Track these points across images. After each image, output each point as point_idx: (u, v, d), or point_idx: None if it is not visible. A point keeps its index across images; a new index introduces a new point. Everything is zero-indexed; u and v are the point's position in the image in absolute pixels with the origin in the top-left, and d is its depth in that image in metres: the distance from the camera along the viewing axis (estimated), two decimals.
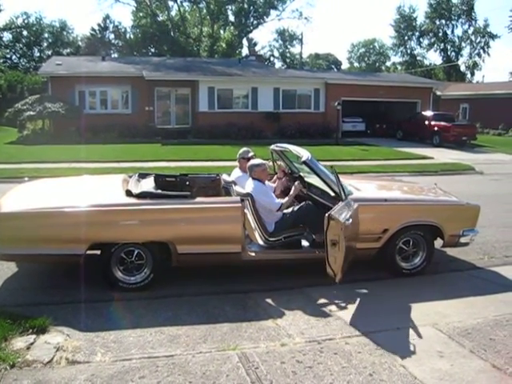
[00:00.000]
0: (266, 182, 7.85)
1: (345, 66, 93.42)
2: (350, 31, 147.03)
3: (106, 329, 5.57)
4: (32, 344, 5.14)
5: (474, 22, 72.84)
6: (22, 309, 5.97)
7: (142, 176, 7.90)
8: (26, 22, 68.79)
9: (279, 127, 31.38)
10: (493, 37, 72.28)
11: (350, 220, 6.25)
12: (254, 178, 7.44)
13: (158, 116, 33.18)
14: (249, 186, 7.42)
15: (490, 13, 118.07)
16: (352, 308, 6.31)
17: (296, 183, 7.61)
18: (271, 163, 9.19)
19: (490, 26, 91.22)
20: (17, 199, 7.14)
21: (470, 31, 73.69)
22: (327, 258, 6.25)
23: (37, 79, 43.01)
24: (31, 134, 28.12)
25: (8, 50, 67.39)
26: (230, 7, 66.49)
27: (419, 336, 5.55)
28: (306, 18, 66.52)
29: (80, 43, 73.73)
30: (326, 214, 6.15)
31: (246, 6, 65.30)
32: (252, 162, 7.66)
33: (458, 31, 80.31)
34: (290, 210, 7.48)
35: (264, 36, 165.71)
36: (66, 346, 5.17)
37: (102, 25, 71.13)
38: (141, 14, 66.63)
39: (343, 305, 6.40)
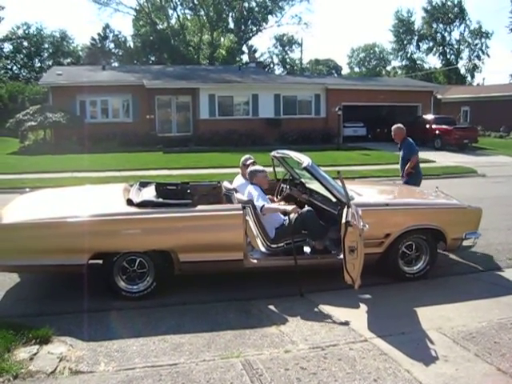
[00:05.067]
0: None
1: (345, 71, 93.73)
2: (349, 36, 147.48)
3: (109, 338, 5.56)
4: (35, 354, 5.13)
5: (469, 23, 73.42)
6: (25, 319, 5.95)
7: (143, 185, 7.90)
8: (26, 32, 69.06)
9: (280, 133, 31.40)
10: (487, 35, 72.68)
11: (367, 226, 6.25)
12: (252, 183, 7.48)
13: (159, 124, 33.18)
14: (247, 190, 7.46)
15: (487, 16, 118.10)
16: (355, 313, 6.29)
17: (294, 207, 7.46)
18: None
19: (488, 29, 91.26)
20: (18, 210, 7.15)
21: (466, 33, 74.17)
22: (345, 265, 6.22)
23: (38, 89, 43.13)
24: (33, 144, 28.17)
25: (9, 61, 67.61)
26: (229, 14, 66.70)
27: (423, 340, 5.52)
28: (305, 24, 66.89)
29: (80, 53, 73.98)
30: (343, 221, 6.14)
31: (245, 12, 65.47)
32: (254, 167, 7.67)
33: (456, 34, 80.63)
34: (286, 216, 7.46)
35: (264, 42, 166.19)
36: (69, 356, 5.15)
37: (102, 34, 71.44)
38: (140, 23, 66.88)
39: (346, 310, 6.37)
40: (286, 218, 7.45)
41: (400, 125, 10.65)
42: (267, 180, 7.65)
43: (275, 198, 8.42)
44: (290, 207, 7.29)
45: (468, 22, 73.72)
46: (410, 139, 10.59)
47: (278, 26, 69.79)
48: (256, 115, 32.86)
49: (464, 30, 74.35)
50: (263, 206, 7.09)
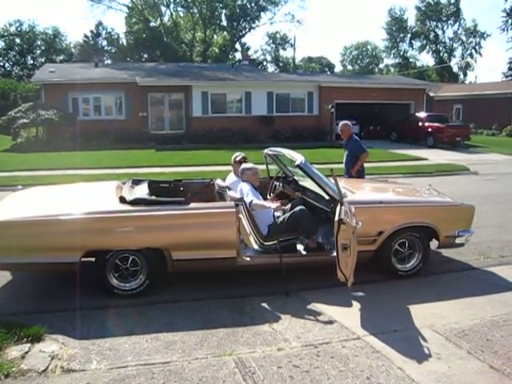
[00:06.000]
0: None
1: (338, 68, 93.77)
2: (342, 34, 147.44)
3: (102, 336, 5.54)
4: (27, 353, 5.11)
5: (462, 22, 73.51)
6: (17, 317, 5.93)
7: (136, 182, 7.88)
8: (19, 29, 68.74)
9: (273, 131, 31.37)
10: (483, 36, 72.82)
11: (360, 224, 6.25)
12: (243, 180, 7.51)
13: (152, 121, 33.14)
14: (239, 187, 7.48)
15: (481, 14, 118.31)
16: (348, 311, 6.30)
17: (278, 203, 7.53)
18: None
19: (481, 27, 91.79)
20: (10, 208, 7.11)
21: (460, 32, 74.24)
22: (338, 263, 6.22)
23: (30, 87, 42.96)
24: (25, 141, 28.05)
25: (1, 58, 67.33)
26: (222, 12, 66.55)
27: (416, 338, 5.53)
28: (298, 21, 66.63)
29: (73, 50, 73.75)
30: (336, 219, 6.14)
31: (238, 10, 65.34)
32: (244, 165, 7.69)
33: (449, 32, 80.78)
34: (280, 213, 7.47)
35: (257, 40, 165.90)
36: (61, 354, 5.13)
37: (95, 31, 71.12)
38: (133, 20, 66.66)
39: (339, 308, 6.37)
40: (278, 215, 7.45)
41: (347, 122, 10.77)
42: (258, 177, 7.64)
43: (268, 196, 8.42)
44: (274, 205, 7.32)
45: (462, 21, 73.99)
46: (357, 137, 10.76)
47: (271, 23, 70.02)
48: (249, 113, 32.85)
49: (458, 29, 74.58)
50: (251, 201, 7.11)
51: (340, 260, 6.20)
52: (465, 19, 74.24)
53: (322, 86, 34.08)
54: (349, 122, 10.72)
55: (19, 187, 9.21)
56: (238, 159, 8.31)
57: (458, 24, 74.14)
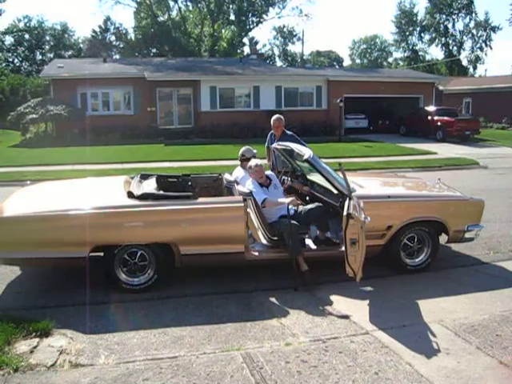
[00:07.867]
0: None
1: (346, 62, 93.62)
2: (351, 28, 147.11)
3: (110, 331, 5.56)
4: (35, 347, 5.13)
5: (474, 15, 72.90)
6: (26, 312, 5.96)
7: (144, 177, 7.88)
8: (27, 25, 69.03)
9: None
10: (494, 29, 72.29)
11: (369, 218, 6.22)
12: (251, 178, 7.50)
13: (161, 116, 33.17)
14: (247, 183, 7.47)
15: (490, 6, 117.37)
16: (357, 306, 6.28)
17: (292, 198, 7.44)
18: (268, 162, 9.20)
19: (491, 19, 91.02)
20: (19, 203, 7.12)
21: (471, 25, 73.67)
22: (346, 258, 6.22)
23: (39, 82, 43.09)
24: (34, 136, 28.19)
25: (10, 54, 67.62)
26: (230, 6, 66.41)
27: (425, 333, 5.51)
28: (306, 15, 66.14)
29: (81, 45, 73.89)
30: (345, 213, 6.13)
31: (245, 4, 65.13)
32: (249, 163, 7.62)
33: (459, 25, 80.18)
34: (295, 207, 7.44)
35: (265, 34, 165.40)
36: (70, 348, 5.15)
37: (103, 26, 71.11)
38: (141, 15, 66.63)
39: (348, 303, 6.36)
40: (298, 209, 7.40)
41: (280, 115, 9.92)
42: (260, 174, 7.49)
43: None
44: (288, 199, 7.26)
45: (474, 15, 73.39)
46: (290, 131, 9.91)
47: (279, 17, 69.45)
48: (257, 107, 32.78)
49: (470, 22, 74.00)
50: (265, 199, 7.08)
51: (348, 255, 6.19)
52: (476, 12, 73.72)
53: (330, 80, 33.96)
54: (281, 116, 9.87)
55: (28, 182, 9.24)
56: (246, 156, 8.24)
57: (469, 17, 73.64)
